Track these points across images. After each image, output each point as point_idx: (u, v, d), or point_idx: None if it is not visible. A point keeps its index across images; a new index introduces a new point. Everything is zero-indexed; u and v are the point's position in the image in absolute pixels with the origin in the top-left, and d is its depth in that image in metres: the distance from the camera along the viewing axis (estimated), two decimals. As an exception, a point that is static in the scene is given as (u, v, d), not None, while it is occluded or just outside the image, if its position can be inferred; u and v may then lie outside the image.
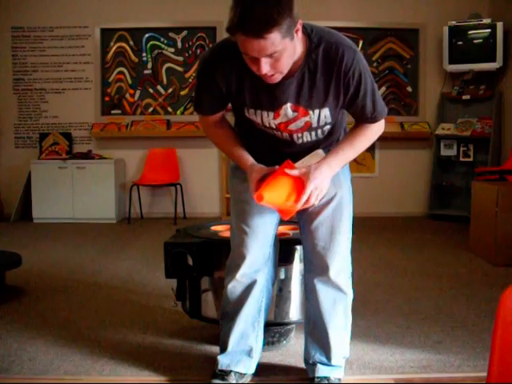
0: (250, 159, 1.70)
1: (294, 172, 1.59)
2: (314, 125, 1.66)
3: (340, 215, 1.80)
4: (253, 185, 1.63)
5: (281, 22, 1.35)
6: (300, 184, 1.59)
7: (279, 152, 1.75)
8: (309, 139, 1.71)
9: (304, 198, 1.58)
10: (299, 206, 1.60)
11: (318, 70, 1.56)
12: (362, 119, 1.68)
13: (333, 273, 1.81)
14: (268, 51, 1.39)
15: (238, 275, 1.84)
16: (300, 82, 1.58)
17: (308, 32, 1.55)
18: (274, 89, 1.58)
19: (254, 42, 1.37)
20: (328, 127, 1.69)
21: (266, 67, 1.44)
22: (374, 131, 1.71)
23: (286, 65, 1.48)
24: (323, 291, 1.85)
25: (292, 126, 1.66)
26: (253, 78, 1.56)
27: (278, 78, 1.51)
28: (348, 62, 1.53)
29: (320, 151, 1.74)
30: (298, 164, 1.68)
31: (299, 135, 1.69)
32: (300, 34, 1.46)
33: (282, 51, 1.41)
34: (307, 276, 1.91)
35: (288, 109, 1.62)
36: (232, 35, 1.41)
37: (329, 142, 1.79)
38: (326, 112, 1.63)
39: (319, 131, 1.69)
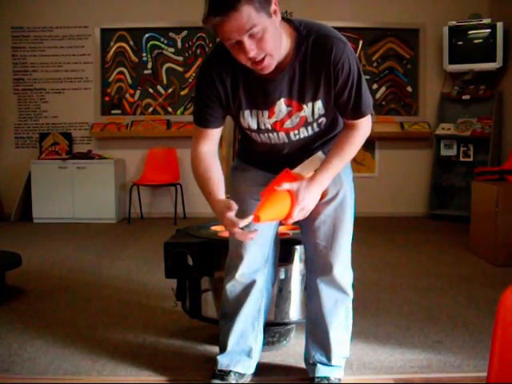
0: (220, 196, 1.71)
1: (285, 187, 1.57)
2: (310, 119, 1.65)
3: (342, 214, 1.79)
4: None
5: None
6: (293, 196, 1.59)
7: (279, 159, 1.74)
8: (306, 134, 1.70)
9: (291, 219, 1.58)
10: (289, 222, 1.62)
11: (308, 63, 1.55)
12: (348, 113, 1.65)
13: (337, 272, 1.81)
14: (245, 26, 1.36)
15: (237, 275, 1.84)
16: (291, 76, 1.57)
17: (296, 25, 1.54)
18: (267, 85, 1.58)
19: (230, 20, 1.35)
20: (323, 120, 1.67)
21: (252, 48, 1.41)
22: (361, 137, 1.69)
23: (272, 45, 1.43)
24: (325, 291, 1.85)
25: (288, 124, 1.65)
26: (246, 77, 1.56)
27: (269, 62, 1.46)
28: (337, 53, 1.52)
29: (319, 153, 1.73)
30: (296, 170, 1.66)
31: (296, 132, 1.68)
32: (279, 16, 1.44)
33: (262, 29, 1.38)
34: (309, 276, 1.91)
35: (282, 104, 1.61)
36: (207, 25, 1.38)
37: (328, 138, 1.78)
38: (319, 104, 1.62)
39: (315, 125, 1.68)
